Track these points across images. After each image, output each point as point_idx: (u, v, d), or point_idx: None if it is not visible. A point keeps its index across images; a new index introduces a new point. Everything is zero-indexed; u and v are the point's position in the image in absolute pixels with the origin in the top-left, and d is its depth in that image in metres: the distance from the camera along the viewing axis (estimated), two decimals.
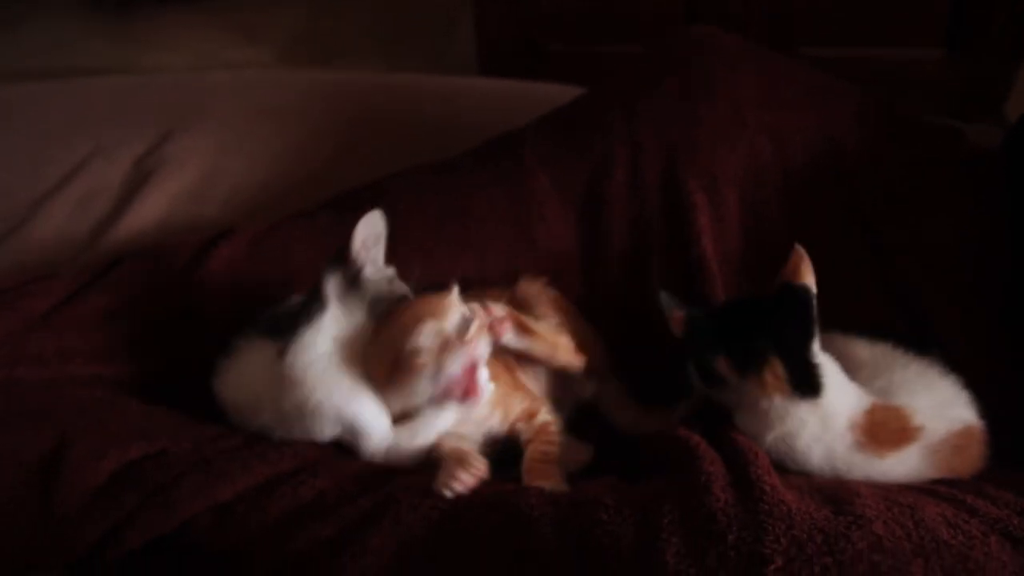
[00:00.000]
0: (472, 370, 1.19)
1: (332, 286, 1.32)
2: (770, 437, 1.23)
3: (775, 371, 1.22)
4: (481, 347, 1.20)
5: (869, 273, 1.49)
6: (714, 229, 1.54)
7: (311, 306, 1.30)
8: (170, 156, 1.97)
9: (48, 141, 2.04)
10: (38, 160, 2.00)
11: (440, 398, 1.22)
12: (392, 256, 1.49)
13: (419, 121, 2.04)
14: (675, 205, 1.56)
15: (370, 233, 1.35)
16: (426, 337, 1.20)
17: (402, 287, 1.38)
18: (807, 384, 1.22)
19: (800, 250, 1.29)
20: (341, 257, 1.34)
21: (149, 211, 1.89)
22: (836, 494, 1.10)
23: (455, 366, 1.19)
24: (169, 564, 1.19)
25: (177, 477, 1.21)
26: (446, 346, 1.19)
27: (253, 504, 1.18)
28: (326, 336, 1.27)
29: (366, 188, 1.69)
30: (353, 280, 1.33)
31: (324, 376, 1.25)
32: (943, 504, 1.11)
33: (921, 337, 1.40)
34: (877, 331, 1.38)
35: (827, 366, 1.25)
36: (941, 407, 1.27)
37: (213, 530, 1.18)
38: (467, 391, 1.20)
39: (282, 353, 1.26)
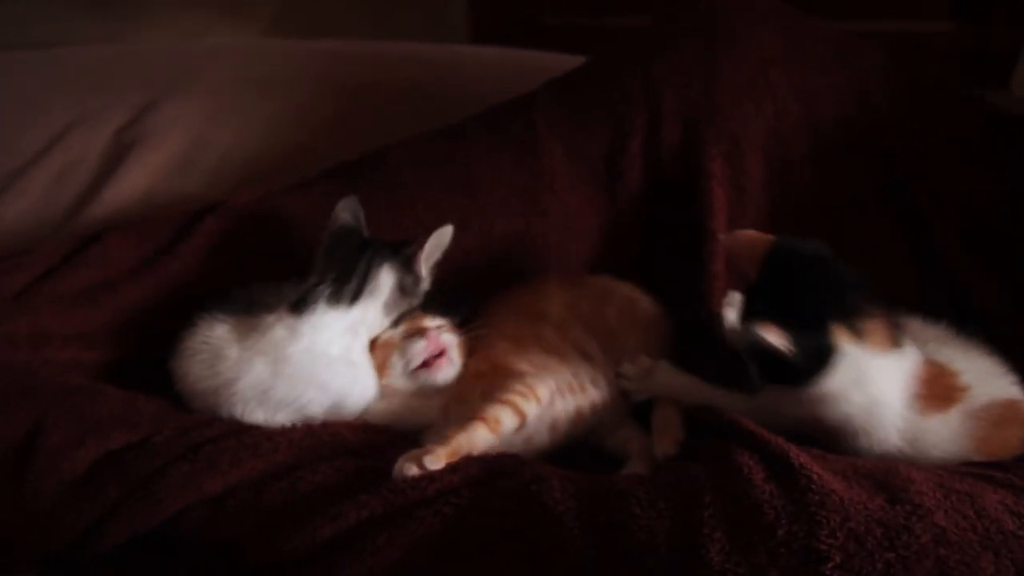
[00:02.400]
0: (439, 354, 1.28)
1: (387, 278, 1.32)
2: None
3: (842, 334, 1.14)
4: (446, 339, 1.29)
5: (902, 238, 1.43)
6: (732, 200, 1.46)
7: (354, 282, 1.30)
8: (153, 127, 1.86)
9: (24, 111, 1.93)
10: (13, 131, 1.89)
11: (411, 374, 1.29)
12: (395, 228, 1.43)
13: (414, 91, 1.94)
14: (692, 175, 1.48)
15: (436, 246, 1.36)
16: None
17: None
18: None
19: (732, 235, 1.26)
20: (403, 257, 1.34)
21: (131, 185, 1.78)
22: (886, 480, 1.01)
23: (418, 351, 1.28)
24: (156, 561, 1.12)
25: (162, 467, 1.13)
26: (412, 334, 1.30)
27: (246, 498, 1.10)
28: (354, 324, 1.30)
29: (366, 158, 1.60)
30: (406, 287, 1.34)
31: (337, 360, 1.27)
32: (1001, 491, 1.03)
33: (955, 303, 1.38)
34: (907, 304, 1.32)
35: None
36: (985, 373, 1.22)
37: (203, 525, 1.09)
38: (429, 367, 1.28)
39: (298, 313, 1.27)
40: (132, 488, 1.11)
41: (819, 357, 1.12)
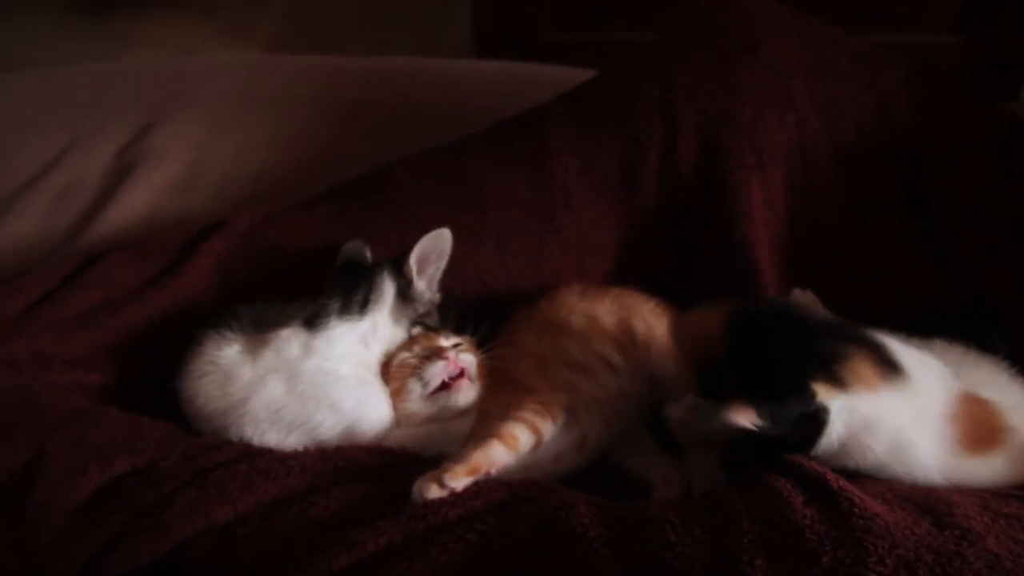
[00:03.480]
0: (459, 375, 1.25)
1: (388, 285, 1.33)
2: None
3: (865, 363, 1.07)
4: (464, 359, 1.26)
5: (923, 242, 1.41)
6: (753, 213, 1.43)
7: (361, 293, 1.30)
8: (154, 146, 1.83)
9: (21, 132, 1.90)
10: (10, 152, 1.85)
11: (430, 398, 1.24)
12: (402, 246, 1.39)
13: (418, 106, 1.91)
14: (711, 188, 1.44)
15: (432, 249, 1.36)
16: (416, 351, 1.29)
17: (435, 319, 1.37)
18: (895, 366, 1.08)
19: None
20: (398, 263, 1.35)
21: (132, 205, 1.76)
22: (928, 503, 0.97)
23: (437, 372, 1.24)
24: None
25: (169, 494, 1.09)
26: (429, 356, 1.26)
27: (257, 525, 1.05)
28: (365, 335, 1.29)
29: (369, 176, 1.56)
30: (403, 292, 1.34)
31: (348, 379, 1.24)
32: None
33: (976, 306, 1.36)
34: (931, 322, 1.28)
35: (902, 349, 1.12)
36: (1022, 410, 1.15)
37: (212, 554, 1.05)
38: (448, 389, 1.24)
39: (312, 328, 1.26)
40: (137, 516, 1.07)
41: (808, 421, 1.04)
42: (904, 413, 1.07)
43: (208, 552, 1.05)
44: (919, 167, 1.44)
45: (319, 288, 1.32)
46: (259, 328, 1.26)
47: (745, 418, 1.01)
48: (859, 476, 1.06)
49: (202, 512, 1.07)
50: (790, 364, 1.06)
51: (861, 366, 1.06)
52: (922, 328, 1.26)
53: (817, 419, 1.04)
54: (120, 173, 1.80)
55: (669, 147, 1.45)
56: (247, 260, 1.48)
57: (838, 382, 1.04)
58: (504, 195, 1.47)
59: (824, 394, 1.04)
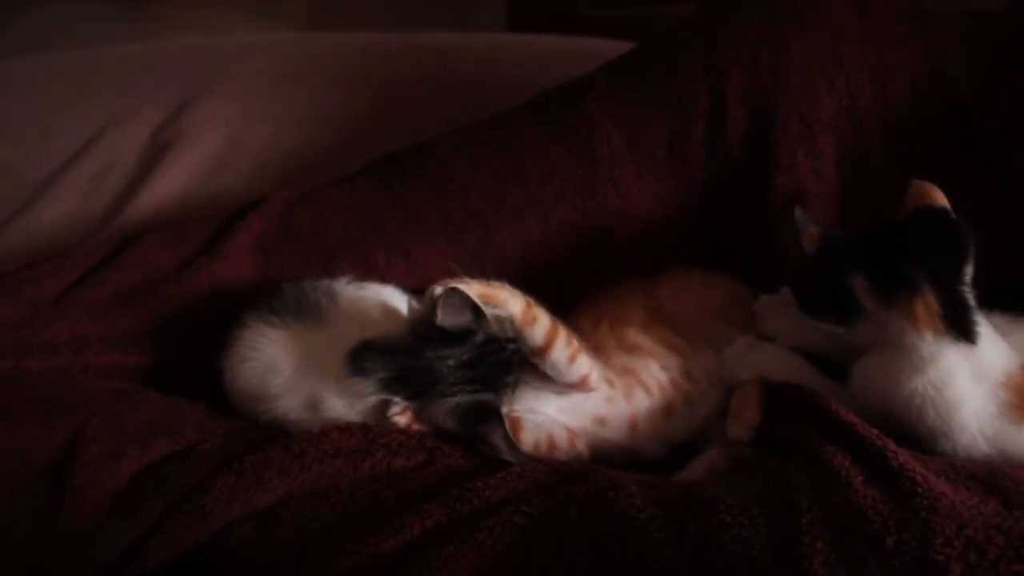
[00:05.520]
0: None
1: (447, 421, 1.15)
2: (912, 385, 1.06)
3: (927, 303, 1.07)
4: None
5: (988, 216, 1.32)
6: (803, 185, 1.38)
7: (418, 384, 1.14)
8: (189, 126, 1.82)
9: (56, 114, 1.89)
10: (45, 135, 1.85)
11: None
12: (446, 222, 1.39)
13: (455, 81, 1.89)
14: (760, 159, 1.39)
15: None
16: None
17: None
18: (962, 324, 1.07)
19: (922, 182, 1.19)
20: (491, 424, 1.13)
21: (168, 186, 1.75)
22: (994, 482, 0.93)
23: None
24: None
25: (206, 478, 1.07)
26: None
27: (300, 511, 1.03)
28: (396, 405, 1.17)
29: (410, 150, 1.53)
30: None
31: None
32: None
33: None
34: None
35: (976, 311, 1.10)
36: None
37: (254, 541, 1.03)
38: None
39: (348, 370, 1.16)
40: (176, 502, 1.05)
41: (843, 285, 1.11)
42: (955, 365, 1.06)
43: (251, 538, 1.03)
44: (976, 130, 1.38)
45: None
46: (300, 314, 1.22)
47: (809, 240, 1.14)
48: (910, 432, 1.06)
49: (241, 498, 1.04)
50: (859, 257, 1.12)
51: (923, 305, 1.07)
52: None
53: (849, 301, 1.11)
54: (155, 154, 1.79)
55: (716, 117, 1.40)
56: (286, 237, 1.45)
57: (883, 295, 1.09)
58: (546, 169, 1.43)
59: (862, 289, 1.10)
